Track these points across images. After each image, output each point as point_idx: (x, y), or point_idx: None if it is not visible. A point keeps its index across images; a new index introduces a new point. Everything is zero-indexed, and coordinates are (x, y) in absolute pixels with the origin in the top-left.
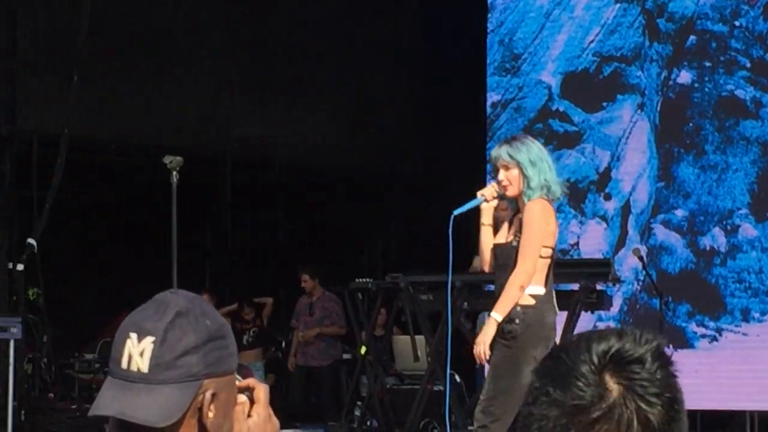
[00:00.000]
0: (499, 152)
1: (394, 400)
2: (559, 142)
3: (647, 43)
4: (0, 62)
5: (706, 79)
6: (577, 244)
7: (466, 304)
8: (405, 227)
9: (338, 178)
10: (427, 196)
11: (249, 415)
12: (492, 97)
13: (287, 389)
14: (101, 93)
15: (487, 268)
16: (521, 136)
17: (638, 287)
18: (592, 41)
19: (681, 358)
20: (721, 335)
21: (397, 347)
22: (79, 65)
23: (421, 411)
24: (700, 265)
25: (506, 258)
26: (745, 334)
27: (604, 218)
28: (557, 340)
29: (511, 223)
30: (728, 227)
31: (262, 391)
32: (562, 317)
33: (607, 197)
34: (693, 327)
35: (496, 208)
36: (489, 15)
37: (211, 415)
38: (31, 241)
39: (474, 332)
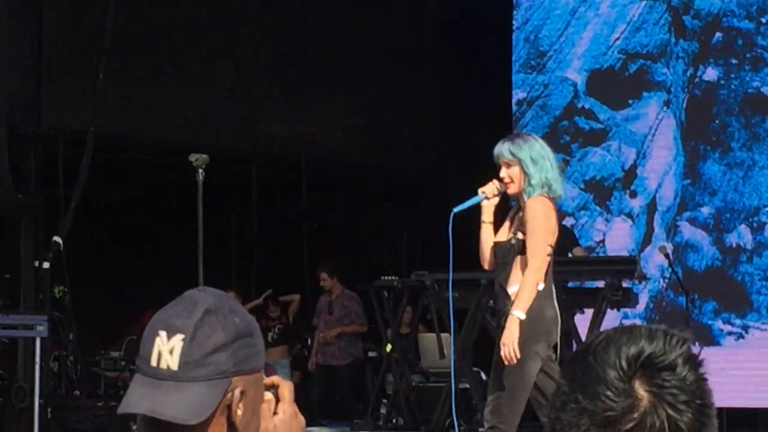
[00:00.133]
0: (501, 149)
1: (420, 398)
2: (584, 140)
3: (673, 40)
4: (26, 61)
5: (732, 76)
6: (603, 241)
7: (491, 301)
8: (431, 225)
9: (365, 176)
10: (453, 194)
11: (275, 413)
12: (517, 95)
13: (310, 387)
14: (127, 91)
15: (487, 266)
16: (523, 134)
17: (664, 285)
18: (617, 38)
19: (707, 356)
20: (747, 333)
21: (423, 345)
22: (105, 64)
23: (446, 409)
24: (726, 262)
25: (506, 256)
26: None
27: (630, 216)
28: (582, 337)
29: (511, 221)
30: (754, 224)
31: (287, 389)
32: (587, 315)
33: (633, 195)
34: (719, 324)
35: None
36: (514, 12)
37: (240, 412)
38: (56, 239)
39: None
